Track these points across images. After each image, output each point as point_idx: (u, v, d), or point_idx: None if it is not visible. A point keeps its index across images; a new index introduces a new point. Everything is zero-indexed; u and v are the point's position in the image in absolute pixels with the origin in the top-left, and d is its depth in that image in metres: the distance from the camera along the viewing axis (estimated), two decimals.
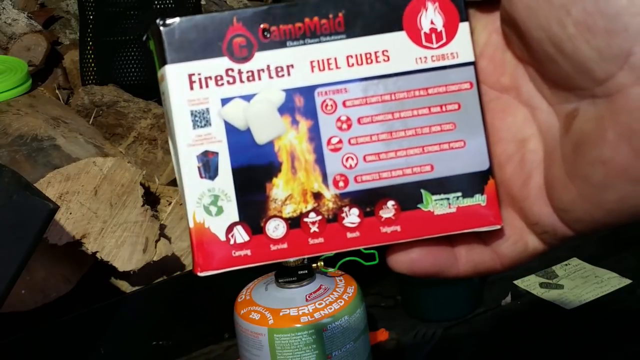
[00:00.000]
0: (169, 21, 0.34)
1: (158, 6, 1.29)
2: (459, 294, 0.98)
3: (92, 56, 1.28)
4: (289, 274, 0.79)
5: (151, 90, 1.12)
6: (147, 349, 0.96)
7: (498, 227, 0.36)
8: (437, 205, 0.35)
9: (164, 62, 0.34)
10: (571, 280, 1.04)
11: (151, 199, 0.99)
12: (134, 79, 1.27)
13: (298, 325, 0.75)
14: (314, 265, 0.79)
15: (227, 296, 0.82)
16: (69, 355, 0.92)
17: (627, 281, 1.02)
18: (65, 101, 1.23)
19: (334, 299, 0.77)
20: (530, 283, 1.04)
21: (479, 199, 0.36)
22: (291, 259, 0.36)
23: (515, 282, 1.04)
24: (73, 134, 0.97)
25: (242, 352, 0.79)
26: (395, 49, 0.35)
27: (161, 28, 0.34)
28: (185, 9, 1.32)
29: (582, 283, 1.03)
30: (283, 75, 0.35)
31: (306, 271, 0.79)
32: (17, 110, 1.03)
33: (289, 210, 0.35)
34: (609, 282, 1.02)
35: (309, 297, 0.77)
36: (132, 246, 0.93)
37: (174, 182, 1.04)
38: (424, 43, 0.35)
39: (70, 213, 0.88)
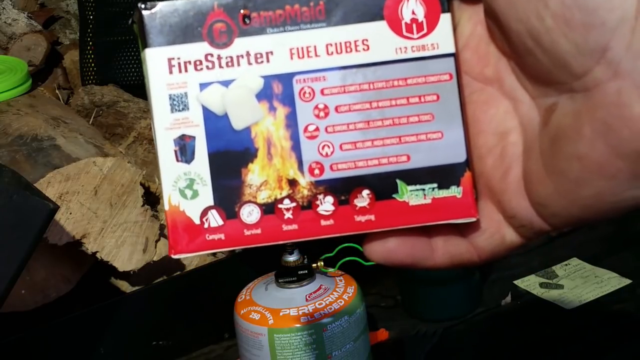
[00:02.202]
0: (150, 5, 0.34)
1: None
2: (459, 294, 0.98)
3: (92, 56, 1.28)
4: (289, 274, 0.79)
5: None
6: (147, 349, 0.96)
7: (473, 219, 0.35)
8: (412, 195, 0.35)
9: (145, 46, 0.35)
10: (571, 280, 1.04)
11: (151, 199, 0.99)
12: (134, 79, 1.27)
13: (298, 325, 0.75)
14: (314, 265, 0.79)
15: (227, 296, 0.82)
16: (69, 355, 0.92)
17: (627, 281, 1.02)
18: (65, 101, 1.23)
19: (334, 299, 0.77)
20: (530, 283, 1.04)
21: (455, 191, 0.35)
22: (265, 244, 0.36)
23: (515, 282, 1.04)
24: (73, 134, 0.97)
25: (242, 352, 0.79)
26: (375, 38, 0.35)
27: (143, 12, 0.34)
28: None
29: (582, 283, 1.03)
30: (262, 62, 0.35)
31: (306, 271, 0.79)
32: (17, 110, 1.03)
33: (263, 196, 0.35)
34: (609, 282, 1.02)
35: (309, 297, 0.77)
36: (132, 246, 0.93)
37: None
38: (405, 33, 0.35)
39: (70, 213, 0.88)
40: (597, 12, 0.30)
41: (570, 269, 1.06)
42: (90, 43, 1.29)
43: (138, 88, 1.23)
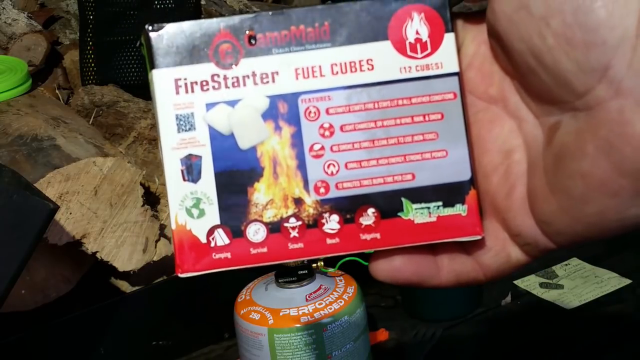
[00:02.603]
0: (157, 27, 0.35)
1: (158, 6, 1.29)
2: (459, 294, 0.98)
3: (92, 56, 1.28)
4: (289, 274, 0.79)
5: None
6: (147, 349, 0.96)
7: (478, 237, 0.36)
8: (417, 214, 0.36)
9: (152, 67, 0.35)
10: (571, 280, 1.04)
11: (151, 199, 0.99)
12: (134, 79, 1.27)
13: (298, 325, 0.75)
14: (314, 265, 0.79)
15: (227, 296, 0.82)
16: (69, 355, 0.92)
17: (627, 281, 1.02)
18: (65, 101, 1.23)
19: (334, 299, 0.77)
20: (530, 283, 1.04)
21: (460, 209, 0.36)
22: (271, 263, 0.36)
23: (515, 282, 1.04)
24: (73, 134, 0.97)
25: (242, 352, 0.79)
26: (380, 58, 0.35)
27: (150, 34, 0.35)
28: (185, 9, 1.32)
29: (582, 283, 1.03)
30: (268, 82, 0.35)
31: (306, 271, 0.79)
32: (17, 110, 1.03)
33: (269, 215, 0.35)
34: (609, 282, 1.02)
35: (309, 297, 0.77)
36: (132, 246, 0.93)
37: None
38: (409, 53, 0.36)
39: (70, 213, 0.88)
40: (598, 31, 0.30)
41: (570, 269, 1.06)
42: (90, 43, 1.29)
43: (138, 88, 1.23)
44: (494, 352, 0.93)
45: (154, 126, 1.10)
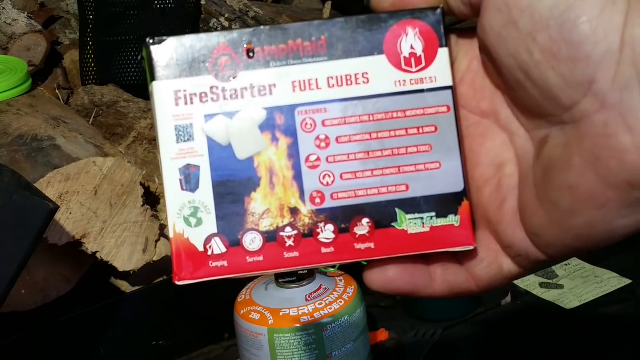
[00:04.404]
0: (158, 40, 0.36)
1: (158, 6, 1.29)
2: None
3: (92, 56, 1.28)
4: (289, 274, 0.79)
5: None
6: (147, 349, 0.96)
7: (471, 247, 0.36)
8: (411, 224, 0.36)
9: (152, 79, 0.36)
10: (571, 280, 1.04)
11: (151, 199, 0.99)
12: (134, 79, 1.27)
13: (298, 325, 0.75)
14: None
15: (227, 296, 0.82)
16: (69, 355, 0.92)
17: (627, 281, 1.02)
18: (65, 101, 1.23)
19: (334, 299, 0.77)
20: (530, 283, 1.04)
21: (453, 220, 0.36)
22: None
23: (515, 282, 1.04)
24: (73, 134, 0.97)
25: (242, 352, 0.79)
26: (375, 71, 0.36)
27: (151, 47, 0.36)
28: (186, 9, 1.32)
29: (582, 283, 1.03)
30: (265, 94, 0.36)
31: (306, 271, 0.79)
32: (17, 110, 1.03)
33: (266, 224, 0.36)
34: (609, 282, 1.02)
35: (309, 297, 0.77)
36: (132, 246, 0.93)
37: None
38: (404, 67, 0.36)
39: (70, 213, 0.88)
40: (583, 46, 0.31)
41: (570, 269, 1.06)
42: (90, 43, 1.29)
43: (138, 88, 1.23)
44: (494, 352, 0.93)
45: (154, 126, 1.10)
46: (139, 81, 1.26)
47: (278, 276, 0.79)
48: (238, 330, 0.78)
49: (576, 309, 0.97)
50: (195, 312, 0.98)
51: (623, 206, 0.32)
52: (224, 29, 1.36)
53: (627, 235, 0.33)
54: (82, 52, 1.29)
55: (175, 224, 0.36)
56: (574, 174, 0.32)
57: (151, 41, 0.36)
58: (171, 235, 0.36)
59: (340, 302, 0.77)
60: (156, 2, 1.29)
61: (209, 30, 1.37)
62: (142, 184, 0.94)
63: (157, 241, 0.95)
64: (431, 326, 0.95)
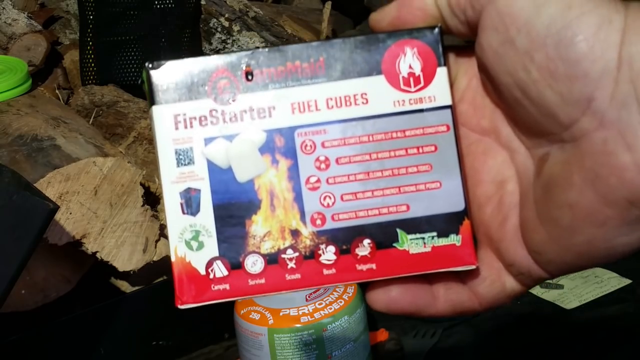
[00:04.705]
0: (157, 64, 0.36)
1: (158, 6, 1.29)
2: None
3: (92, 56, 1.28)
4: None
5: None
6: (147, 349, 0.96)
7: (473, 266, 0.36)
8: (412, 244, 0.36)
9: (152, 103, 0.36)
10: (571, 280, 1.04)
11: (151, 199, 0.99)
12: (134, 79, 1.27)
13: (298, 325, 0.75)
14: None
15: None
16: (69, 355, 0.92)
17: (627, 281, 1.02)
18: (65, 101, 1.23)
19: (334, 299, 0.77)
20: None
21: (454, 239, 0.36)
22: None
23: None
24: (73, 134, 0.97)
25: (242, 352, 0.79)
26: (374, 92, 0.36)
27: (150, 71, 0.36)
28: (186, 9, 1.32)
29: (582, 283, 1.03)
30: (265, 117, 0.36)
31: None
32: (17, 110, 1.03)
33: (267, 247, 0.36)
34: (609, 282, 1.02)
35: (309, 297, 0.77)
36: (132, 246, 0.93)
37: None
38: (402, 87, 0.36)
39: (70, 213, 0.88)
40: (580, 64, 0.31)
41: None
42: (90, 43, 1.29)
43: (138, 88, 1.23)
44: (494, 352, 0.93)
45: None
46: (139, 81, 1.26)
47: None
48: (238, 330, 0.78)
49: (576, 309, 0.97)
50: (195, 312, 0.98)
51: (623, 224, 0.32)
52: (223, 29, 1.36)
53: (627, 253, 0.33)
54: (82, 52, 1.29)
55: (177, 248, 0.36)
56: (574, 192, 0.32)
57: (150, 65, 0.36)
58: (173, 259, 0.36)
59: (340, 302, 0.77)
60: (156, 2, 1.29)
61: (209, 30, 1.37)
62: (142, 184, 0.94)
63: (157, 241, 0.95)
64: (431, 326, 0.95)
